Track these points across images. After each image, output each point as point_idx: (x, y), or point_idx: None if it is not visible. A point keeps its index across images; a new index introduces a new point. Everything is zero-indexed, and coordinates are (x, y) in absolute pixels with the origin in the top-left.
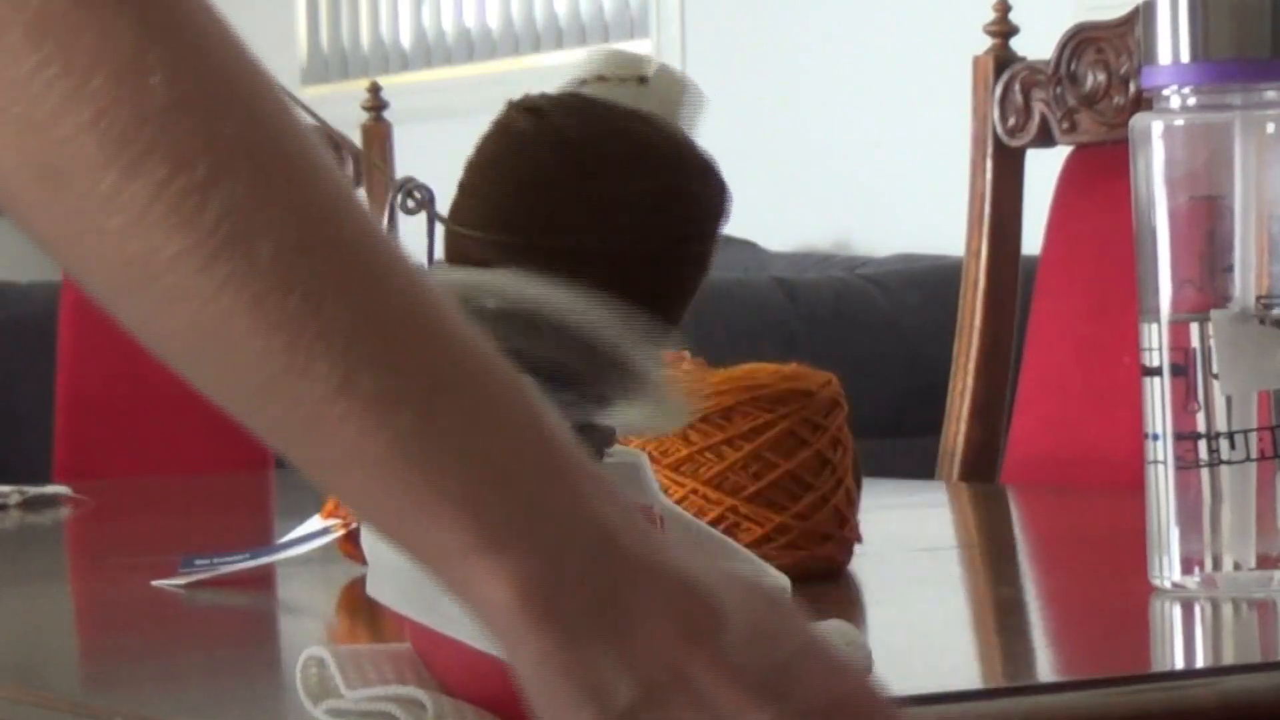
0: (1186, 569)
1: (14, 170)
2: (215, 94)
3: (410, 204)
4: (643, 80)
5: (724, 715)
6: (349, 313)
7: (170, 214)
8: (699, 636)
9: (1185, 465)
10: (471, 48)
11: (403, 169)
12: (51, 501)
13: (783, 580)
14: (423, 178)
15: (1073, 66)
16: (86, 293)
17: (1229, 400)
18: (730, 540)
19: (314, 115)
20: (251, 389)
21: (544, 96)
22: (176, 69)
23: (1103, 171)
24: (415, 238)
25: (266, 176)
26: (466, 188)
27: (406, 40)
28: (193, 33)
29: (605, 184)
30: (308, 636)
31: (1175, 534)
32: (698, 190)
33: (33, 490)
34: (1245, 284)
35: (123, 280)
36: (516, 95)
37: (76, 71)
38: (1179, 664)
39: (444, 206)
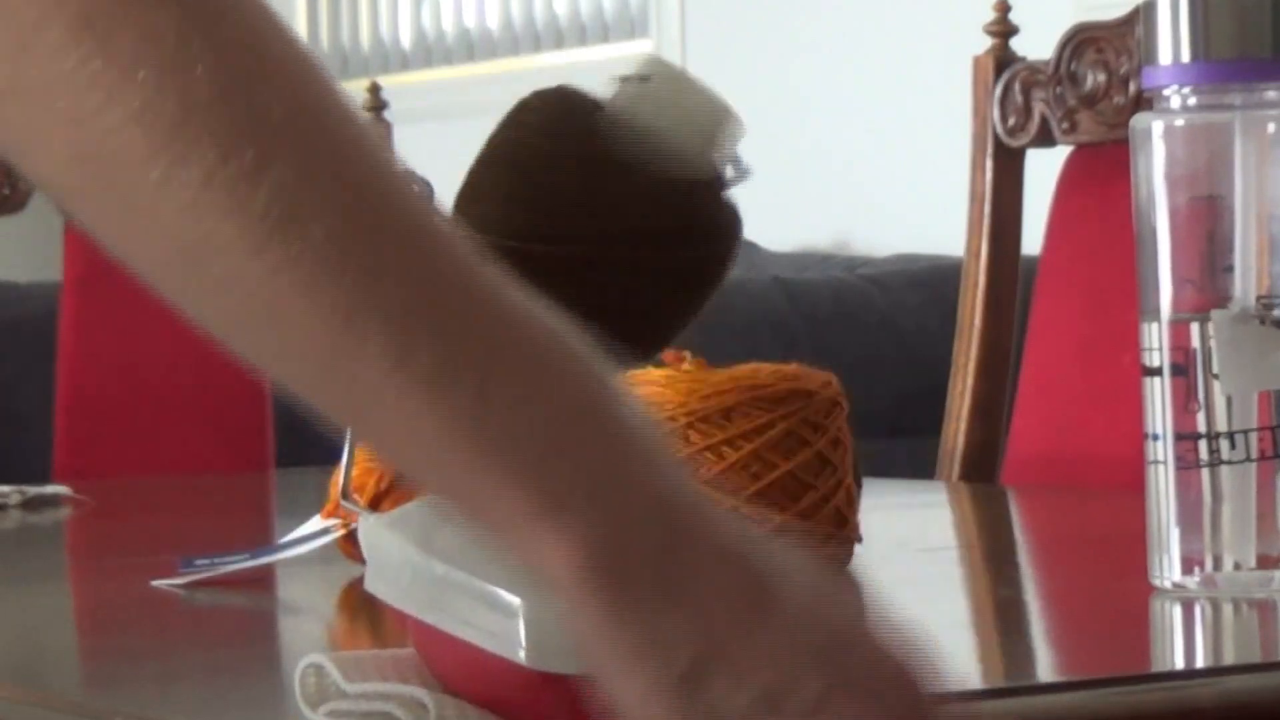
0: (1186, 569)
1: (65, 164)
2: (260, 80)
3: None
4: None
5: (773, 687)
6: (402, 289)
7: (221, 201)
8: (754, 606)
9: (1185, 465)
10: (471, 48)
11: None
12: (51, 501)
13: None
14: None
15: (1073, 66)
16: (141, 280)
17: (1229, 400)
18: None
19: None
20: (308, 368)
21: (551, 98)
22: (220, 57)
23: (1103, 171)
24: None
25: (314, 158)
26: (472, 187)
27: (406, 40)
28: (235, 19)
29: (607, 193)
30: (308, 636)
31: (1175, 534)
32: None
33: (33, 490)
34: (1245, 284)
35: (177, 267)
36: (516, 95)
37: (119, 65)
38: (1179, 664)
39: (443, 205)
